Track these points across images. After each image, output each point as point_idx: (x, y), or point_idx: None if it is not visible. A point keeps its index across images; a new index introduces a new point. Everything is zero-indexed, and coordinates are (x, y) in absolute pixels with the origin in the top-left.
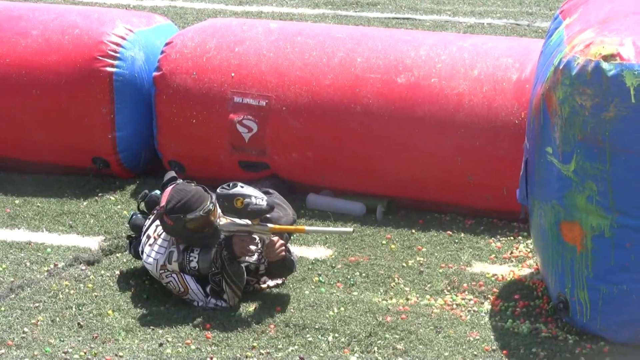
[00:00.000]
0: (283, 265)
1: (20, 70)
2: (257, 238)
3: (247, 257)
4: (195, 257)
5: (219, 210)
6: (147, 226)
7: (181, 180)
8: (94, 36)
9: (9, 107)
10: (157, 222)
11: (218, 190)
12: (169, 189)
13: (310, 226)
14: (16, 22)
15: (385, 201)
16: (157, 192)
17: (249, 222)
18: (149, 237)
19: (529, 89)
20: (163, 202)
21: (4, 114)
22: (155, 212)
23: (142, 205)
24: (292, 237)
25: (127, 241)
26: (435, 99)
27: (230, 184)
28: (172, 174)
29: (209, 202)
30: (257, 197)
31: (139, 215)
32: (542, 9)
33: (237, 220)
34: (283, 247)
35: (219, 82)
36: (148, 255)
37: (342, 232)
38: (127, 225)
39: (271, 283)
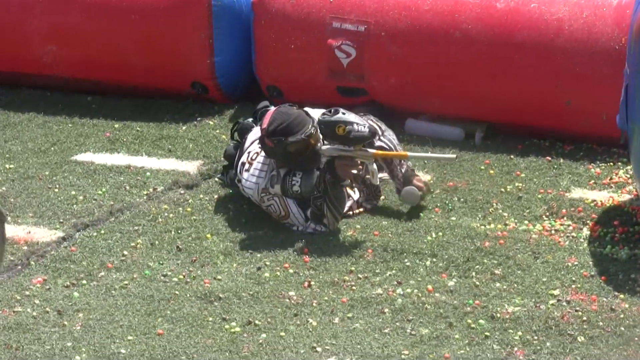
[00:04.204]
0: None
1: None
2: (359, 162)
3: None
4: (297, 181)
5: (320, 135)
6: (238, 155)
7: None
8: None
9: (109, 31)
10: (250, 148)
11: (319, 116)
12: (271, 110)
13: (412, 152)
14: None
15: (484, 126)
16: (250, 119)
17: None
18: (243, 164)
19: (630, 14)
20: (265, 124)
21: (104, 38)
22: (245, 140)
23: (236, 134)
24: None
25: (224, 173)
26: (535, 25)
27: (332, 110)
28: (265, 103)
29: (310, 126)
30: (359, 123)
31: (231, 144)
32: None
33: (339, 146)
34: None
35: (317, 8)
36: (247, 180)
37: (445, 159)
38: (223, 152)
39: (368, 206)
